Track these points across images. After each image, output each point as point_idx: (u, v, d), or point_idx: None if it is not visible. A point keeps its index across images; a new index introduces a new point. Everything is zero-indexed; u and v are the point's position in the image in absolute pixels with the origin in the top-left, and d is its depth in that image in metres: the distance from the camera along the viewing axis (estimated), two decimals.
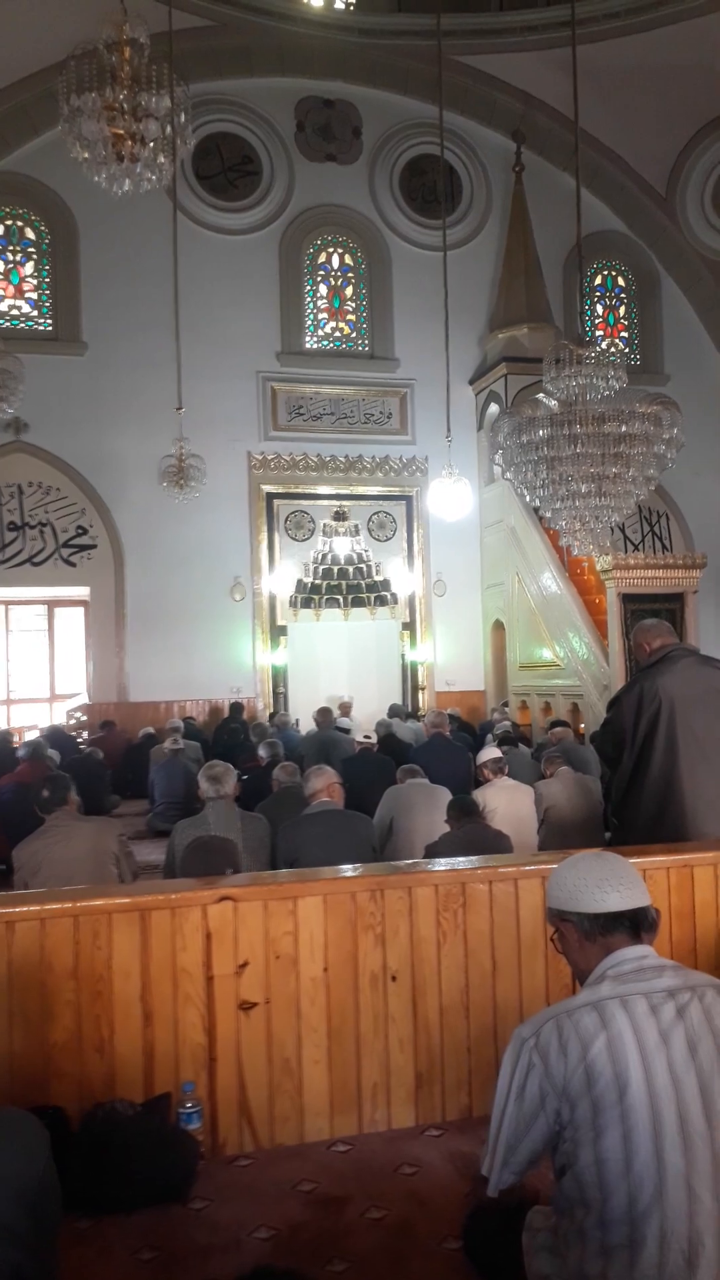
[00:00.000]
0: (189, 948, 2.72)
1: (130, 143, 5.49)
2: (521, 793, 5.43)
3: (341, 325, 13.95)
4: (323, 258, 13.92)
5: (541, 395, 9.28)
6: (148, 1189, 2.42)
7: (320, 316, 13.87)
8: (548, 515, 8.03)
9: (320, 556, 13.44)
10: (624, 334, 15.01)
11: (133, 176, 5.63)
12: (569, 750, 6.67)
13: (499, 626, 13.31)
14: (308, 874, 3.14)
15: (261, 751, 7.21)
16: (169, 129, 5.59)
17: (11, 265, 12.81)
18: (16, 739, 9.99)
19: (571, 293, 13.69)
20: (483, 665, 13.80)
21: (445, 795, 5.00)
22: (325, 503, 13.47)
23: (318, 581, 13.40)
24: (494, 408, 13.05)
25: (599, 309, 14.92)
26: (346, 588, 13.46)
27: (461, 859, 3.42)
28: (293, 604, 13.29)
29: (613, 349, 14.51)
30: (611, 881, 1.76)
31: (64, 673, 13.52)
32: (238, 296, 13.08)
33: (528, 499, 8.36)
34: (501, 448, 7.59)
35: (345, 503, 13.49)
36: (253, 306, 13.17)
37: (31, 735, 10.98)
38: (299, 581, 13.33)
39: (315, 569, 13.41)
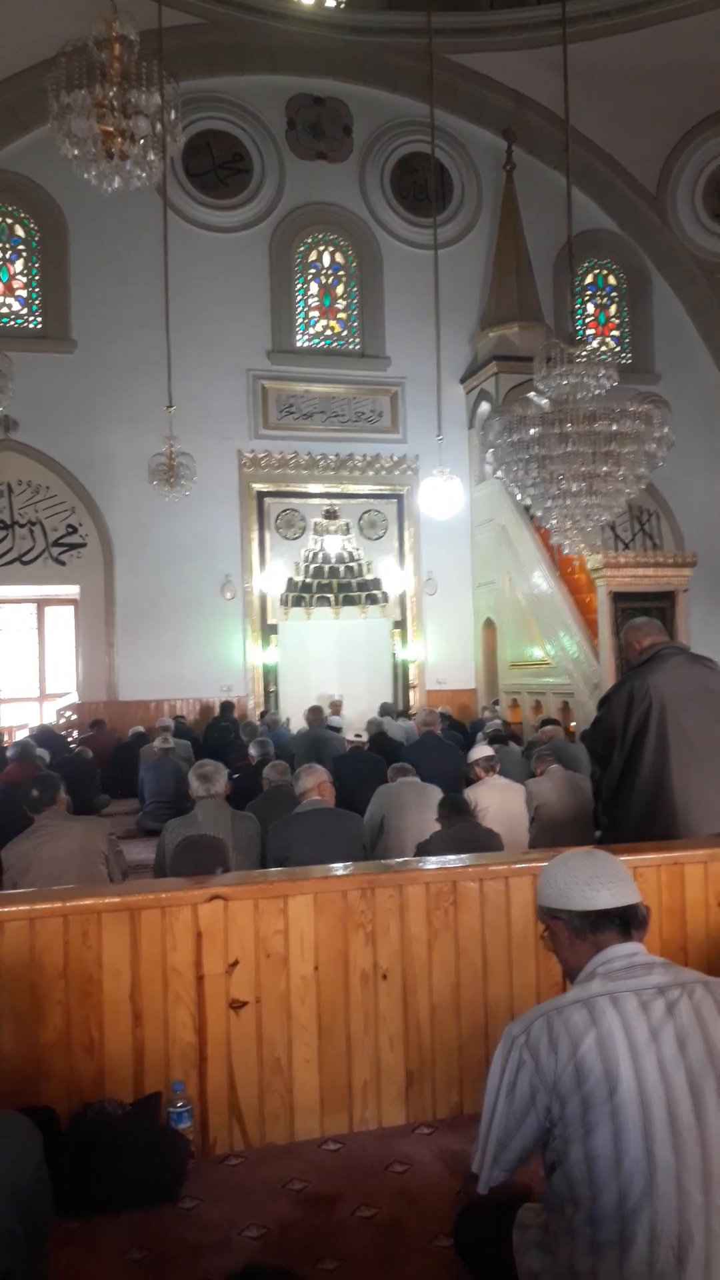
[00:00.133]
0: (179, 947, 2.72)
1: (120, 140, 5.48)
2: (513, 791, 5.43)
3: (332, 323, 13.94)
4: (313, 256, 13.91)
5: (532, 394, 9.30)
6: (137, 1189, 2.41)
7: (311, 314, 13.86)
8: (539, 514, 8.05)
9: (311, 555, 13.43)
10: (615, 333, 15.04)
11: (123, 174, 5.61)
12: (559, 748, 6.68)
13: (490, 625, 13.33)
14: (298, 873, 3.14)
15: (252, 750, 7.21)
16: (159, 126, 5.58)
17: (1, 263, 12.76)
18: (6, 738, 9.96)
19: (562, 291, 13.71)
20: (473, 664, 13.82)
21: (436, 794, 5.00)
22: (316, 501, 13.47)
23: (308, 580, 13.39)
24: (485, 406, 13.06)
25: (590, 308, 14.95)
26: (337, 586, 13.45)
27: (452, 857, 3.42)
28: (283, 602, 13.28)
29: (603, 348, 14.55)
30: (601, 879, 1.76)
31: (54, 672, 13.48)
32: (228, 294, 13.06)
33: (519, 497, 8.38)
34: (492, 446, 7.61)
35: (336, 501, 13.49)
36: (243, 304, 13.16)
37: (21, 734, 10.96)
38: (290, 580, 13.32)
39: (306, 567, 13.41)
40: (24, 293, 12.81)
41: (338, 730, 9.58)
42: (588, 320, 14.88)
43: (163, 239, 10.40)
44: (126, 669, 12.55)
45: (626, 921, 1.76)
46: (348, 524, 13.58)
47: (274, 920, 2.78)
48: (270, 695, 13.09)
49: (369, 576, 13.58)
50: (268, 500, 13.32)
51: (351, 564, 13.56)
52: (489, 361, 13.06)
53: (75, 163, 5.65)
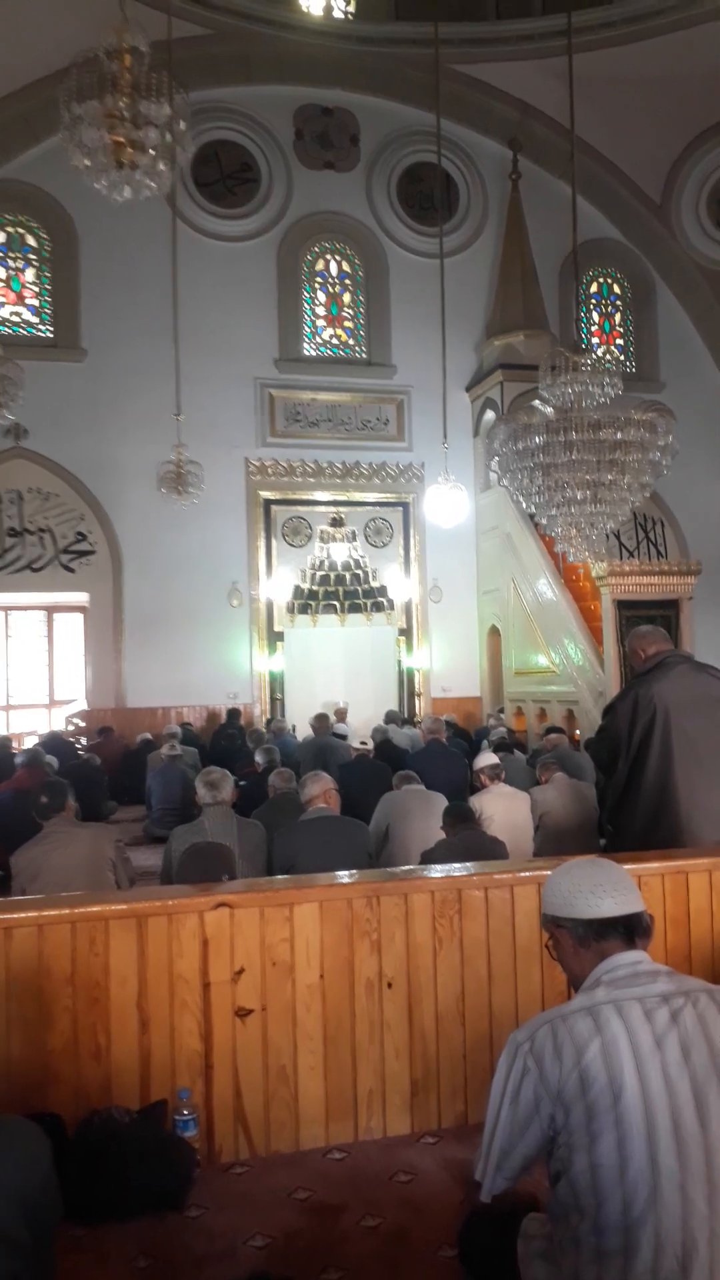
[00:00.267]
0: (186, 954, 2.72)
1: (130, 150, 5.51)
2: (519, 800, 5.43)
3: (339, 332, 13.99)
4: (320, 265, 13.97)
5: (537, 402, 9.30)
6: (143, 1196, 2.41)
7: (318, 323, 13.91)
8: (543, 522, 8.06)
9: (317, 563, 13.46)
10: (619, 341, 15.06)
11: (133, 184, 5.64)
12: (564, 756, 6.67)
13: (495, 633, 13.33)
14: (304, 880, 3.15)
15: (258, 757, 7.21)
16: (169, 136, 5.61)
17: (12, 272, 12.84)
18: (15, 745, 9.99)
19: (567, 300, 13.74)
20: (478, 671, 13.81)
21: (441, 801, 5.00)
22: (322, 509, 13.50)
23: (315, 588, 13.41)
24: (490, 414, 13.08)
25: (595, 316, 14.97)
26: (343, 594, 13.47)
27: (457, 865, 3.42)
28: (290, 610, 13.30)
29: (608, 356, 14.55)
30: (605, 887, 1.77)
31: (62, 678, 13.51)
32: (236, 303, 13.11)
33: (523, 505, 8.39)
34: (497, 454, 7.62)
35: (342, 509, 13.52)
36: (251, 313, 13.21)
37: (30, 741, 11.00)
38: (296, 587, 13.34)
39: (312, 575, 13.43)
40: (35, 301, 12.89)
41: (343, 738, 9.58)
42: (592, 329, 14.90)
43: (171, 248, 10.47)
44: (134, 676, 12.58)
45: (631, 930, 1.76)
46: (354, 532, 13.61)
47: (280, 928, 2.79)
48: (276, 703, 13.10)
49: (375, 584, 13.60)
50: (275, 508, 13.35)
51: (357, 572, 13.58)
52: (494, 370, 13.08)
53: (86, 173, 5.68)
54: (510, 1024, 2.85)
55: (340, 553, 13.51)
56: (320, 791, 4.32)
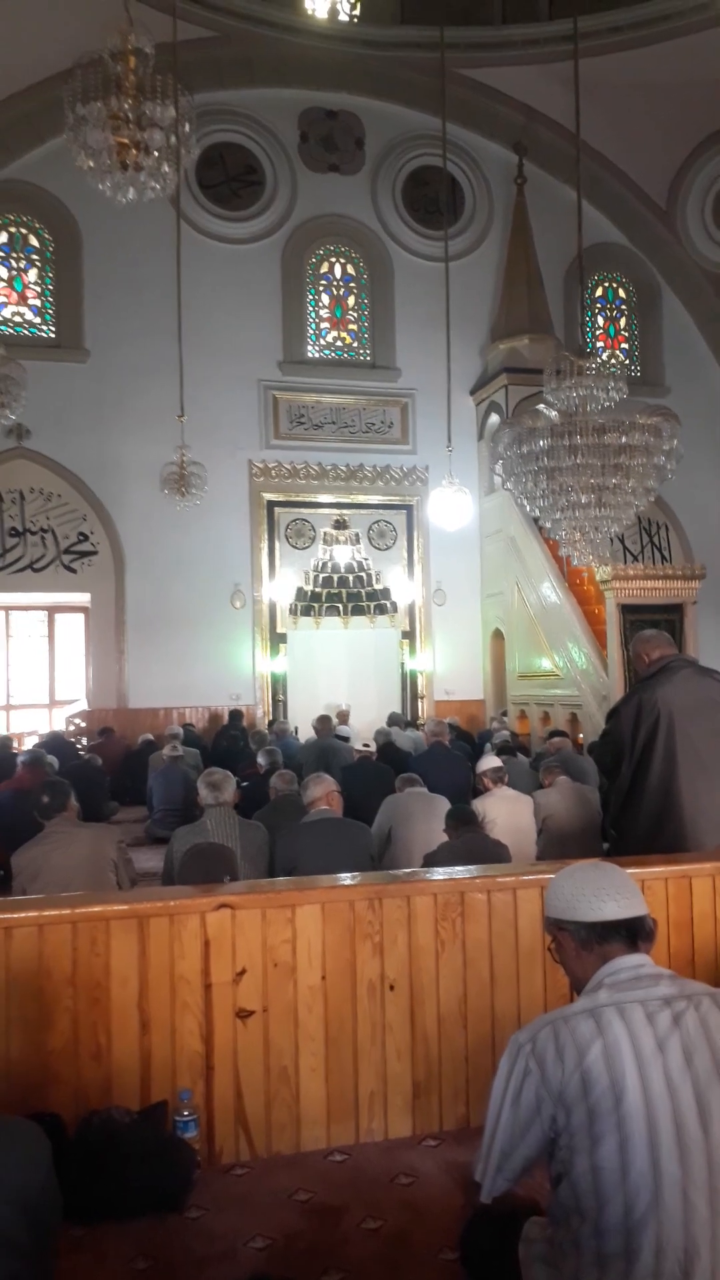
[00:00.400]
0: (187, 955, 2.72)
1: (135, 152, 5.52)
2: (522, 803, 5.43)
3: (343, 335, 14.00)
4: (325, 267, 13.98)
5: (542, 406, 9.30)
6: (143, 1197, 2.41)
7: (322, 326, 13.92)
8: (547, 525, 8.05)
9: (320, 565, 13.46)
10: (624, 345, 15.06)
11: (137, 185, 5.64)
12: (567, 760, 6.66)
13: (498, 636, 13.32)
14: (306, 882, 3.14)
15: (260, 759, 7.21)
16: (173, 138, 5.62)
17: (15, 272, 12.86)
18: (16, 745, 10.00)
19: (572, 304, 13.73)
20: (482, 674, 13.81)
21: (444, 804, 5.00)
22: (326, 511, 13.50)
23: (318, 590, 13.41)
24: (494, 418, 13.08)
25: (600, 320, 14.97)
26: (346, 596, 13.47)
27: (460, 868, 3.42)
28: (293, 612, 13.30)
29: (613, 360, 14.57)
30: (608, 891, 1.77)
31: (64, 679, 13.53)
32: (240, 305, 13.12)
33: (528, 509, 8.38)
34: (502, 458, 7.61)
35: (346, 511, 13.52)
36: (255, 315, 13.22)
37: (31, 741, 11.00)
38: (299, 589, 13.34)
39: (315, 577, 13.43)
40: (38, 302, 12.91)
41: (346, 740, 9.58)
42: (597, 333, 14.90)
43: (175, 250, 10.45)
44: (136, 677, 12.58)
45: (633, 933, 1.76)
46: (357, 534, 13.61)
47: (281, 930, 2.79)
48: (279, 704, 13.10)
49: (378, 586, 13.59)
50: (278, 510, 13.36)
51: (361, 574, 13.58)
52: (499, 373, 13.09)
53: (90, 174, 5.69)
54: (512, 1026, 2.84)
55: (343, 555, 13.51)
56: (323, 793, 4.32)
